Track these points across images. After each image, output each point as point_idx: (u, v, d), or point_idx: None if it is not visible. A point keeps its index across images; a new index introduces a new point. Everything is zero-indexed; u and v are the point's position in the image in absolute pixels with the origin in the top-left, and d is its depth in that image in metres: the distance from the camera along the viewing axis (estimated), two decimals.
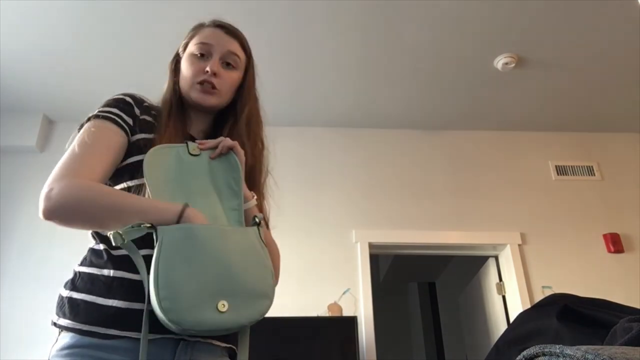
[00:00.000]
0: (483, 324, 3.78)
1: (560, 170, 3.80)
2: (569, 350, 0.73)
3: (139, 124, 1.10)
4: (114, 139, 1.04)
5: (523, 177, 3.76)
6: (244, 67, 1.22)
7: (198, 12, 2.62)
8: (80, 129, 1.08)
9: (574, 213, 3.63)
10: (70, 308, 0.95)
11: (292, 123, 3.75)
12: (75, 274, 1.01)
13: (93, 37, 2.96)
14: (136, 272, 0.93)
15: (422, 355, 5.76)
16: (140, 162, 1.02)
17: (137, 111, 1.11)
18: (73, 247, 3.13)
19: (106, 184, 1.04)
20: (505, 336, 1.83)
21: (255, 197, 1.13)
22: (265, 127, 1.25)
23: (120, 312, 0.93)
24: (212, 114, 1.22)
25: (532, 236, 3.52)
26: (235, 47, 1.19)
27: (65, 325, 0.94)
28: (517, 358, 0.82)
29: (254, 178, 1.18)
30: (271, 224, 1.22)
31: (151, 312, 0.88)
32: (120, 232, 0.87)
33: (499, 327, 3.42)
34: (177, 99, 1.17)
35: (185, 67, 1.17)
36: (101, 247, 1.01)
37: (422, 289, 6.08)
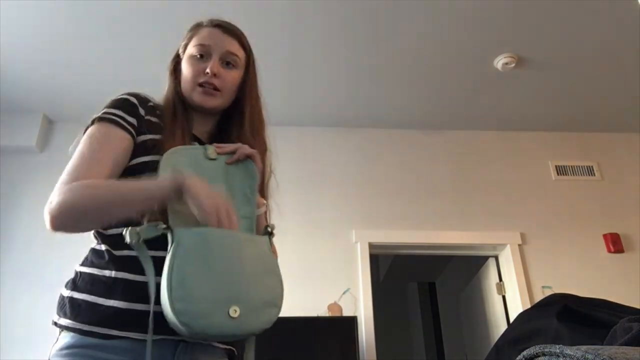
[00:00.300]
0: (483, 324, 3.78)
1: (560, 170, 3.80)
2: (569, 350, 0.73)
3: (145, 125, 1.09)
4: (119, 143, 1.04)
5: (523, 177, 3.76)
6: (245, 65, 1.21)
7: (198, 11, 2.61)
8: (85, 131, 1.08)
9: (574, 213, 3.63)
10: (71, 308, 0.95)
11: (291, 123, 3.75)
12: (76, 274, 1.01)
13: (93, 37, 2.96)
14: (137, 273, 0.93)
15: (422, 355, 5.76)
16: (147, 163, 1.03)
17: (141, 111, 1.11)
18: (73, 247, 3.12)
19: None
20: (505, 336, 1.83)
21: (266, 204, 1.14)
22: (267, 127, 1.25)
23: (121, 312, 0.93)
24: (215, 115, 1.21)
25: (532, 236, 3.52)
26: (234, 46, 1.18)
27: (66, 325, 0.94)
28: (517, 358, 0.82)
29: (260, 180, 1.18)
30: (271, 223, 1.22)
31: (154, 313, 0.88)
32: (138, 230, 0.89)
33: (499, 327, 3.42)
34: (179, 100, 1.17)
35: (185, 69, 1.17)
36: (103, 247, 1.01)
37: (422, 289, 6.08)
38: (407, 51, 3.12)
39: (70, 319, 0.94)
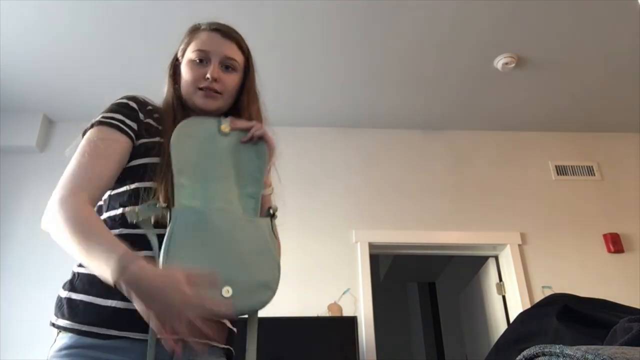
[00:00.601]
0: (483, 324, 3.78)
1: (560, 170, 3.80)
2: (569, 350, 0.73)
3: (144, 128, 1.11)
4: (118, 147, 1.05)
5: (523, 177, 3.76)
6: (243, 68, 1.22)
7: (198, 12, 2.62)
8: (84, 134, 1.09)
9: (574, 213, 3.63)
10: (69, 309, 0.96)
11: (291, 123, 3.75)
12: (73, 274, 1.02)
13: (94, 37, 2.96)
14: None
15: (422, 355, 5.76)
16: (146, 165, 1.05)
17: (141, 115, 1.12)
18: None
19: (111, 189, 1.06)
20: (505, 336, 1.83)
21: (272, 187, 1.17)
22: (268, 126, 1.26)
23: (119, 312, 0.93)
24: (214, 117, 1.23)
25: (532, 236, 3.52)
26: (233, 50, 1.19)
27: (64, 325, 0.94)
28: (517, 358, 0.82)
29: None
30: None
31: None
32: (137, 210, 0.92)
33: (499, 327, 3.42)
34: (179, 103, 1.19)
35: (185, 73, 1.18)
36: None
37: (422, 289, 6.09)
38: (407, 51, 3.12)
39: (68, 319, 0.94)
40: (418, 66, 3.26)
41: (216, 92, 1.15)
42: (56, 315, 0.97)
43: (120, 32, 2.93)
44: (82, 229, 0.91)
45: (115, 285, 0.84)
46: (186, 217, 0.94)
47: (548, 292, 3.14)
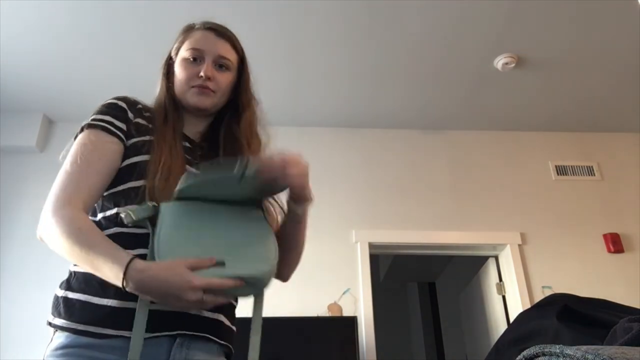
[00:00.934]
0: (483, 324, 3.78)
1: (560, 170, 3.80)
2: (569, 350, 0.73)
3: (133, 128, 1.11)
4: (108, 150, 1.05)
5: (523, 177, 3.76)
6: (237, 67, 1.22)
7: (198, 12, 2.61)
8: (76, 137, 1.09)
9: (574, 213, 3.62)
10: (65, 308, 0.96)
11: (291, 123, 3.75)
12: (70, 273, 1.02)
13: (94, 37, 2.96)
14: None
15: (422, 355, 5.75)
16: (136, 163, 1.05)
17: (130, 115, 1.12)
18: None
19: (106, 190, 1.06)
20: (505, 336, 1.83)
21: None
22: (263, 125, 1.26)
23: (115, 311, 0.93)
24: (208, 116, 1.23)
25: (532, 236, 3.52)
26: (227, 49, 1.19)
27: (60, 325, 0.94)
28: (517, 358, 0.82)
29: None
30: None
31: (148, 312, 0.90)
32: (130, 212, 0.93)
33: (499, 327, 3.42)
34: (171, 102, 1.18)
35: (179, 72, 1.18)
36: None
37: (422, 289, 6.08)
38: (407, 51, 3.12)
39: (64, 318, 0.94)
40: (418, 66, 3.26)
41: (210, 90, 1.15)
42: (53, 314, 0.97)
43: (121, 32, 2.93)
44: (79, 239, 0.92)
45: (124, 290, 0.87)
46: (173, 210, 0.95)
47: (548, 292, 3.13)
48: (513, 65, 3.17)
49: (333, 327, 2.97)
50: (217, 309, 1.02)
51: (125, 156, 1.07)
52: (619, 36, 2.99)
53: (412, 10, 2.80)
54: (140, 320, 0.89)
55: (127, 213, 0.93)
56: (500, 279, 3.55)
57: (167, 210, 0.95)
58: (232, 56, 1.20)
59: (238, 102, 1.21)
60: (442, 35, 2.99)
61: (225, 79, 1.18)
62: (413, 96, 3.55)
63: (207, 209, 0.98)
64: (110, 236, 0.97)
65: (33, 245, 3.23)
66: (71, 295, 0.97)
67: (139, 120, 1.13)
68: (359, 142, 3.83)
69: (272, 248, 1.00)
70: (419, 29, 2.94)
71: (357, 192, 3.62)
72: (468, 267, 4.37)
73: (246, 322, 1.02)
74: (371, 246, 3.43)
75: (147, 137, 1.09)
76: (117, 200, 1.04)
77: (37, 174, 3.47)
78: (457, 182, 3.71)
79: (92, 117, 1.10)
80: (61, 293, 0.99)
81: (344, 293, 3.21)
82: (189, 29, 1.22)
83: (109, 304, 0.93)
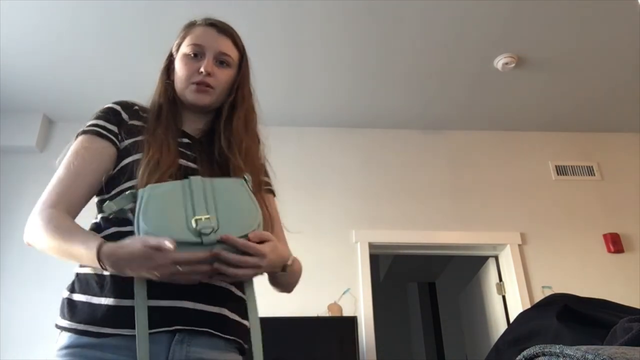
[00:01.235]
0: (483, 324, 3.78)
1: (560, 170, 3.80)
2: (569, 350, 0.73)
3: (127, 130, 1.11)
4: (98, 155, 1.07)
5: (523, 177, 3.76)
6: (238, 64, 1.22)
7: (199, 11, 2.61)
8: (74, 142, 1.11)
9: (574, 213, 3.62)
10: (68, 309, 0.98)
11: (291, 123, 3.75)
12: (75, 275, 1.03)
13: (94, 37, 2.96)
14: None
15: (422, 355, 5.75)
16: (127, 164, 1.05)
17: (124, 116, 1.13)
18: None
19: (102, 192, 1.08)
20: (505, 336, 1.83)
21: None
22: (260, 124, 1.26)
23: (112, 309, 0.94)
24: (208, 113, 1.22)
25: (532, 236, 3.52)
26: (228, 46, 1.19)
27: (64, 325, 0.96)
28: (517, 358, 0.82)
29: (256, 173, 1.17)
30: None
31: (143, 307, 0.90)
32: (112, 203, 0.94)
33: (499, 327, 3.42)
34: (168, 99, 1.18)
35: (179, 68, 1.18)
36: None
37: (422, 289, 6.08)
38: (407, 51, 3.12)
39: (67, 319, 0.96)
40: (418, 66, 3.26)
41: (209, 86, 1.15)
42: (59, 316, 0.99)
43: (121, 32, 2.93)
44: (57, 234, 0.97)
45: (103, 268, 0.91)
46: (151, 191, 0.94)
47: (548, 292, 3.13)
48: (513, 65, 3.17)
49: (333, 327, 2.97)
50: (221, 302, 1.01)
51: (119, 158, 1.08)
52: (619, 36, 2.99)
53: (412, 10, 2.80)
54: (142, 317, 0.89)
55: (107, 204, 0.94)
56: (500, 279, 3.55)
57: (145, 191, 0.94)
58: (233, 53, 1.20)
59: (235, 99, 1.20)
60: (442, 35, 2.99)
61: (225, 76, 1.18)
62: (413, 96, 3.55)
63: (186, 184, 0.97)
64: (108, 236, 0.99)
65: None
66: (74, 296, 0.99)
67: (134, 122, 1.13)
68: (359, 142, 3.83)
69: (253, 214, 0.98)
70: (419, 29, 2.94)
71: (357, 192, 3.62)
72: (468, 267, 4.37)
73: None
74: (371, 246, 3.42)
75: (139, 137, 1.09)
76: (102, 204, 1.05)
77: (37, 174, 3.46)
78: (457, 182, 3.71)
79: (88, 123, 1.12)
80: (66, 295, 1.01)
81: (344, 293, 3.21)
82: (190, 25, 1.22)
83: (105, 303, 0.94)
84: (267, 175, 1.27)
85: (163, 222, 0.90)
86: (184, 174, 1.03)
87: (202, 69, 1.14)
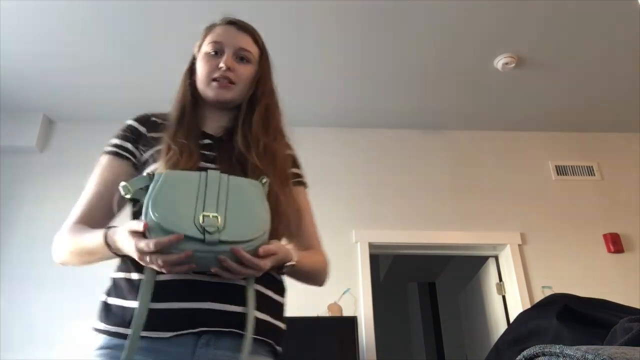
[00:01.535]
0: (483, 324, 3.78)
1: (560, 170, 3.80)
2: (569, 350, 0.73)
3: (147, 142, 1.13)
4: (117, 174, 1.10)
5: (523, 177, 3.76)
6: (258, 61, 1.22)
7: (197, 12, 2.62)
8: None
9: (574, 213, 3.62)
10: (102, 312, 1.01)
11: (291, 123, 3.72)
12: (111, 280, 1.06)
13: (94, 37, 2.96)
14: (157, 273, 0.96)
15: (422, 355, 5.75)
16: (148, 174, 1.05)
17: (142, 130, 1.16)
18: None
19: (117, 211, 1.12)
20: (505, 336, 1.83)
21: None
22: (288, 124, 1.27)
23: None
24: (231, 110, 1.20)
25: (532, 236, 3.52)
26: (247, 42, 1.20)
27: (99, 328, 0.99)
28: (517, 358, 0.82)
29: (278, 170, 1.14)
30: None
31: (166, 310, 0.92)
32: (128, 184, 0.94)
33: (499, 327, 3.42)
34: (191, 100, 1.19)
35: (200, 66, 1.18)
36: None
37: (422, 289, 6.08)
38: (407, 51, 3.12)
39: (101, 322, 0.99)
40: (418, 66, 3.26)
41: (230, 82, 1.15)
42: (96, 318, 1.02)
43: (121, 32, 2.93)
44: (72, 235, 1.05)
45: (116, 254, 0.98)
46: (165, 176, 0.95)
47: (548, 292, 3.13)
48: (513, 65, 3.17)
49: (333, 327, 2.97)
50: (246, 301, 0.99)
51: (140, 171, 1.10)
52: (619, 36, 2.99)
53: (412, 10, 2.80)
54: (146, 287, 0.92)
55: (124, 185, 0.94)
56: (500, 279, 3.55)
57: (162, 175, 0.95)
58: (252, 49, 1.20)
59: (256, 95, 1.20)
60: (442, 35, 2.99)
61: (246, 71, 1.18)
62: (413, 96, 3.55)
63: (203, 177, 0.96)
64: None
65: (33, 245, 3.24)
66: (108, 300, 1.01)
67: (153, 134, 1.14)
68: (359, 142, 3.83)
69: (261, 221, 0.96)
70: (419, 29, 2.94)
71: (357, 192, 3.62)
72: (468, 267, 4.37)
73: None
74: (371, 246, 3.42)
75: (159, 147, 1.10)
76: (137, 216, 1.05)
77: (37, 174, 3.47)
78: (457, 182, 3.71)
79: (108, 143, 1.16)
80: (102, 298, 1.03)
81: (344, 293, 3.21)
82: (210, 27, 1.23)
83: (133, 306, 0.94)
84: (297, 166, 1.28)
85: (171, 212, 0.89)
86: None
87: (221, 64, 1.14)
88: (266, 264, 0.94)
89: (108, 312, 0.99)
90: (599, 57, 3.17)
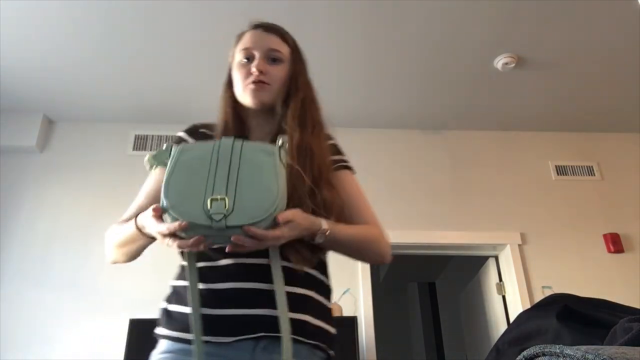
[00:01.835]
0: (483, 324, 3.78)
1: (560, 170, 3.80)
2: (569, 350, 0.73)
3: None
4: (156, 183, 1.13)
5: (523, 177, 3.76)
6: (290, 59, 1.23)
7: (197, 12, 2.62)
8: None
9: (574, 213, 3.63)
10: (163, 318, 1.05)
11: None
12: (171, 287, 1.10)
13: (93, 37, 2.96)
14: (204, 281, 1.00)
15: (422, 355, 5.75)
16: None
17: (190, 141, 1.18)
18: (72, 247, 3.11)
19: None
20: (505, 336, 1.82)
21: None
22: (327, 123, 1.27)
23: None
24: (274, 115, 1.20)
25: (532, 236, 3.52)
26: (276, 42, 1.21)
27: (160, 333, 1.04)
28: (517, 358, 0.82)
29: (320, 164, 1.12)
30: None
31: (227, 316, 0.96)
32: (151, 156, 0.98)
33: (499, 327, 3.42)
34: (233, 112, 1.19)
35: (235, 76, 1.19)
36: (185, 263, 1.07)
37: (422, 289, 6.08)
38: (406, 51, 3.12)
39: (163, 327, 1.03)
40: (418, 66, 3.26)
41: (264, 83, 1.15)
42: (158, 324, 1.06)
43: (121, 32, 2.93)
44: (115, 229, 1.09)
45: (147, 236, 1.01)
46: (182, 151, 0.96)
47: (548, 292, 3.13)
48: (513, 65, 3.17)
49: None
50: (302, 309, 1.01)
51: None
52: (619, 36, 2.99)
53: (412, 9, 2.80)
54: (192, 270, 0.98)
55: (147, 158, 0.97)
56: (500, 279, 3.55)
57: (177, 151, 0.97)
58: (283, 48, 1.21)
59: (292, 91, 1.19)
60: (442, 35, 2.99)
61: (278, 71, 1.18)
62: (412, 96, 3.55)
63: (215, 150, 0.96)
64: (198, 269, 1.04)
65: (33, 245, 3.24)
66: (169, 307, 1.05)
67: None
68: (359, 142, 3.82)
69: (273, 195, 0.92)
70: (419, 28, 2.94)
71: None
72: (468, 267, 4.37)
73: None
74: None
75: None
76: None
77: (37, 174, 3.46)
78: (456, 182, 3.71)
79: None
80: (163, 305, 1.07)
81: (344, 293, 3.21)
82: (240, 35, 1.25)
83: (187, 312, 0.98)
84: (339, 153, 1.27)
85: (181, 198, 0.91)
86: None
87: (253, 69, 1.14)
88: (282, 232, 0.91)
89: (168, 318, 1.03)
90: (598, 57, 3.17)
